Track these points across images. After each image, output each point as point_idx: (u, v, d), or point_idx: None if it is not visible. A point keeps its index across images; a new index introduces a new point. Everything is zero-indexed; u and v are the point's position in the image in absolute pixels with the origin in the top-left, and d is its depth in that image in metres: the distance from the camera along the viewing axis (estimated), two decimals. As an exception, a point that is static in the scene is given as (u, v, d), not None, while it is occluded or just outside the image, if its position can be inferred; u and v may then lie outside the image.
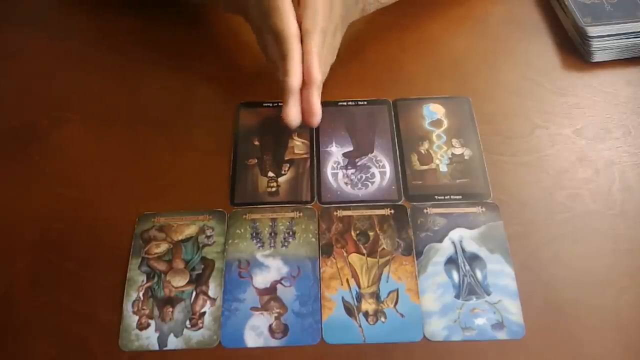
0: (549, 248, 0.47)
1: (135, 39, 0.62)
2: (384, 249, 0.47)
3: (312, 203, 0.50)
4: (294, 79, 0.45)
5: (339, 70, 0.54)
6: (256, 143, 0.54)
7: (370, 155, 0.52)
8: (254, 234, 0.48)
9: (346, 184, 0.51)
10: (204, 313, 0.44)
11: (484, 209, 0.49)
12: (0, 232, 0.49)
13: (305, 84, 0.46)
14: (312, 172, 0.51)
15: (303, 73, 0.46)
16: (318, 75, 0.46)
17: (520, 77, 0.58)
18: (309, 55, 0.46)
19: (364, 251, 0.47)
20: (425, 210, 0.49)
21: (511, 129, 0.54)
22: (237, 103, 0.56)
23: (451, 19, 0.63)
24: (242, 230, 0.48)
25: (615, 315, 0.43)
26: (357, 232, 0.48)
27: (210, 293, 0.45)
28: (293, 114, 0.47)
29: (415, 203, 0.49)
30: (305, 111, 0.47)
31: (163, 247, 0.47)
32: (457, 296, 0.44)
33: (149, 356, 0.43)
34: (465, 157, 0.52)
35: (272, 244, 0.47)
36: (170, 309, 0.44)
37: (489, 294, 0.44)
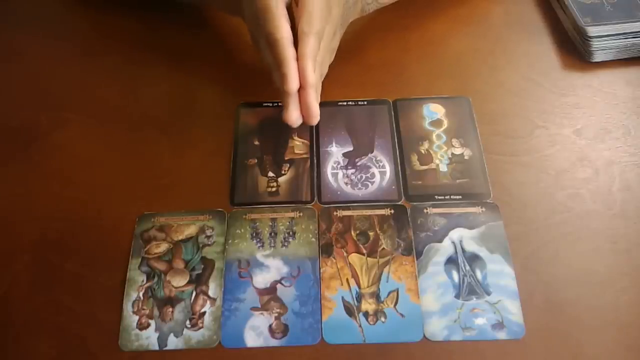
0: (549, 248, 0.47)
1: (136, 39, 0.62)
2: (384, 249, 0.47)
3: (312, 203, 0.50)
4: (292, 83, 0.45)
5: (339, 70, 0.54)
6: (256, 143, 0.54)
7: (370, 155, 0.52)
8: (254, 234, 0.48)
9: (346, 184, 0.51)
10: (204, 313, 0.44)
11: (484, 209, 0.49)
12: (0, 232, 0.49)
13: (301, 87, 0.46)
14: (312, 172, 0.51)
15: (299, 76, 0.46)
16: (312, 78, 0.46)
17: (520, 77, 0.58)
18: (303, 59, 0.45)
19: (364, 251, 0.47)
20: (425, 210, 0.49)
21: (511, 129, 0.54)
22: (237, 103, 0.56)
23: (451, 19, 0.63)
24: (242, 230, 0.48)
25: (615, 315, 0.43)
26: (357, 232, 0.48)
27: (210, 293, 0.45)
28: (294, 117, 0.47)
29: (415, 203, 0.49)
30: (304, 113, 0.47)
31: (163, 247, 0.47)
32: (457, 296, 0.44)
33: (149, 356, 0.43)
34: (465, 157, 0.52)
35: (272, 244, 0.47)
36: (170, 309, 0.44)
37: (489, 294, 0.44)
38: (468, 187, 0.50)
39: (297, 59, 0.45)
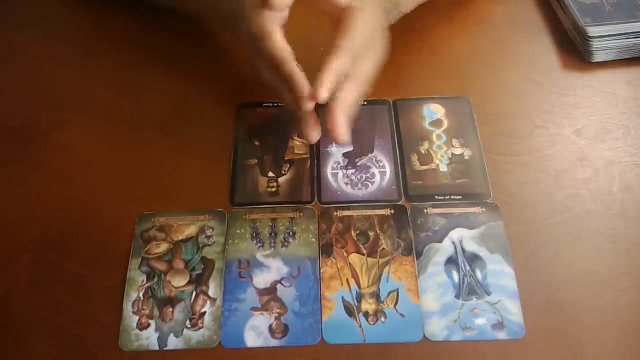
0: (549, 248, 0.47)
1: (136, 39, 0.62)
2: (384, 249, 0.47)
3: (312, 203, 0.50)
4: (307, 101, 0.43)
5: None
6: (256, 143, 0.54)
7: (370, 155, 0.52)
8: (254, 234, 0.48)
9: (346, 184, 0.51)
10: (204, 313, 0.44)
11: (484, 209, 0.48)
12: (0, 232, 0.49)
13: (314, 99, 0.43)
14: (312, 172, 0.51)
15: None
16: (324, 93, 0.42)
17: (520, 77, 0.58)
18: (326, 71, 0.42)
19: (364, 251, 0.47)
20: (425, 210, 0.49)
21: (511, 129, 0.54)
22: (237, 103, 0.56)
23: (452, 20, 0.63)
24: (242, 230, 0.48)
25: (615, 315, 0.43)
26: (357, 232, 0.48)
27: (210, 293, 0.45)
28: (314, 136, 0.46)
29: (415, 203, 0.49)
30: (332, 131, 0.45)
31: (163, 247, 0.47)
32: (457, 296, 0.44)
33: (149, 356, 0.43)
34: (465, 157, 0.52)
35: (272, 244, 0.47)
36: (170, 309, 0.44)
37: (489, 294, 0.44)
38: (468, 187, 0.50)
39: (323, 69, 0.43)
